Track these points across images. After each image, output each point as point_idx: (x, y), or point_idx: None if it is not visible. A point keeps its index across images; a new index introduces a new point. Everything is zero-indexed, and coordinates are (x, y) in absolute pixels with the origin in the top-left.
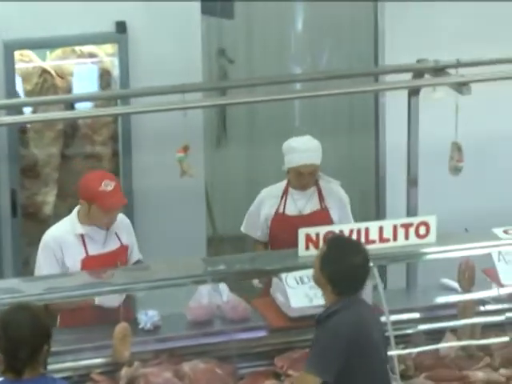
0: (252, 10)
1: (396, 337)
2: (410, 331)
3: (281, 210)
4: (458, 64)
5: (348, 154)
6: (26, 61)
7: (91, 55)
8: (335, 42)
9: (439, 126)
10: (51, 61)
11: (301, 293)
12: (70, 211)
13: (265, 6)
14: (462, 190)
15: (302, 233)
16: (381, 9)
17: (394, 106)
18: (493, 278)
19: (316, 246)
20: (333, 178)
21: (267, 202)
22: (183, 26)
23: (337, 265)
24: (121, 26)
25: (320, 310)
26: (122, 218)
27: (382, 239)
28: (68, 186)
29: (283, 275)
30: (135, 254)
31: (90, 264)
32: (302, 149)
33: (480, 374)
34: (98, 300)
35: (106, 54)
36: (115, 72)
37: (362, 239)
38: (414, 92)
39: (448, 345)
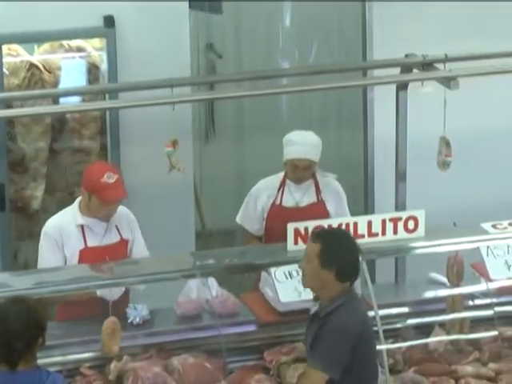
0: (240, 5)
1: (385, 331)
2: (398, 325)
3: (278, 202)
4: (446, 59)
5: (336, 149)
6: (14, 55)
7: (79, 49)
8: (323, 37)
9: (427, 121)
10: (39, 55)
11: (290, 287)
12: (58, 205)
13: (253, 1)
14: (450, 184)
15: (291, 227)
16: (369, 4)
17: (383, 100)
18: (481, 272)
19: (305, 240)
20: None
21: (264, 193)
22: (171, 21)
23: (340, 254)
24: (109, 21)
25: (309, 304)
26: (127, 213)
27: (370, 234)
28: (56, 181)
29: (272, 270)
30: (139, 251)
31: (88, 255)
32: (300, 142)
33: (469, 369)
34: (99, 292)
35: (94, 49)
36: (103, 66)
37: (344, 230)
38: (402, 87)
39: (437, 339)
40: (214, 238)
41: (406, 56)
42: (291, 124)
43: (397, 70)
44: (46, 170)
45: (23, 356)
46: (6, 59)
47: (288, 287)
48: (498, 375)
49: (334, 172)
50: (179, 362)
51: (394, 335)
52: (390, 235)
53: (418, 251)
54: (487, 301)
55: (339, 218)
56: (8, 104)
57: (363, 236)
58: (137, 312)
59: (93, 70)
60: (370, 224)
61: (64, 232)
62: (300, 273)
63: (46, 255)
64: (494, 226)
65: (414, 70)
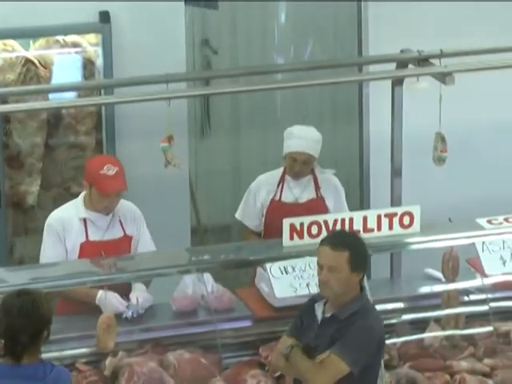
0: (236, 1)
1: None
2: (394, 321)
3: (277, 197)
4: (442, 54)
5: (332, 145)
6: (9, 50)
7: (75, 45)
8: (319, 32)
9: (423, 116)
10: (34, 50)
11: (285, 283)
12: (54, 201)
13: None
14: (445, 180)
15: (287, 223)
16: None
17: (378, 96)
18: (477, 267)
19: (300, 236)
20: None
21: (264, 188)
22: (167, 16)
23: (366, 255)
24: (104, 16)
25: (304, 299)
26: (133, 209)
27: (366, 229)
28: (52, 176)
29: (268, 265)
30: (146, 247)
31: (89, 249)
32: (301, 136)
33: (464, 364)
34: (98, 301)
35: (90, 44)
36: (99, 62)
37: (346, 229)
38: (397, 82)
39: (432, 335)
40: (210, 234)
41: (402, 51)
42: (287, 120)
43: (392, 66)
44: (42, 166)
45: (27, 349)
46: (1, 54)
47: (283, 283)
48: (493, 370)
49: (329, 167)
50: (175, 357)
51: (389, 331)
52: (385, 231)
53: (414, 247)
54: (482, 296)
55: (334, 213)
56: (3, 99)
57: (358, 231)
58: (132, 307)
59: (88, 66)
60: (365, 219)
61: (66, 224)
62: (316, 282)
63: (48, 247)
64: (489, 222)
65: (410, 66)
